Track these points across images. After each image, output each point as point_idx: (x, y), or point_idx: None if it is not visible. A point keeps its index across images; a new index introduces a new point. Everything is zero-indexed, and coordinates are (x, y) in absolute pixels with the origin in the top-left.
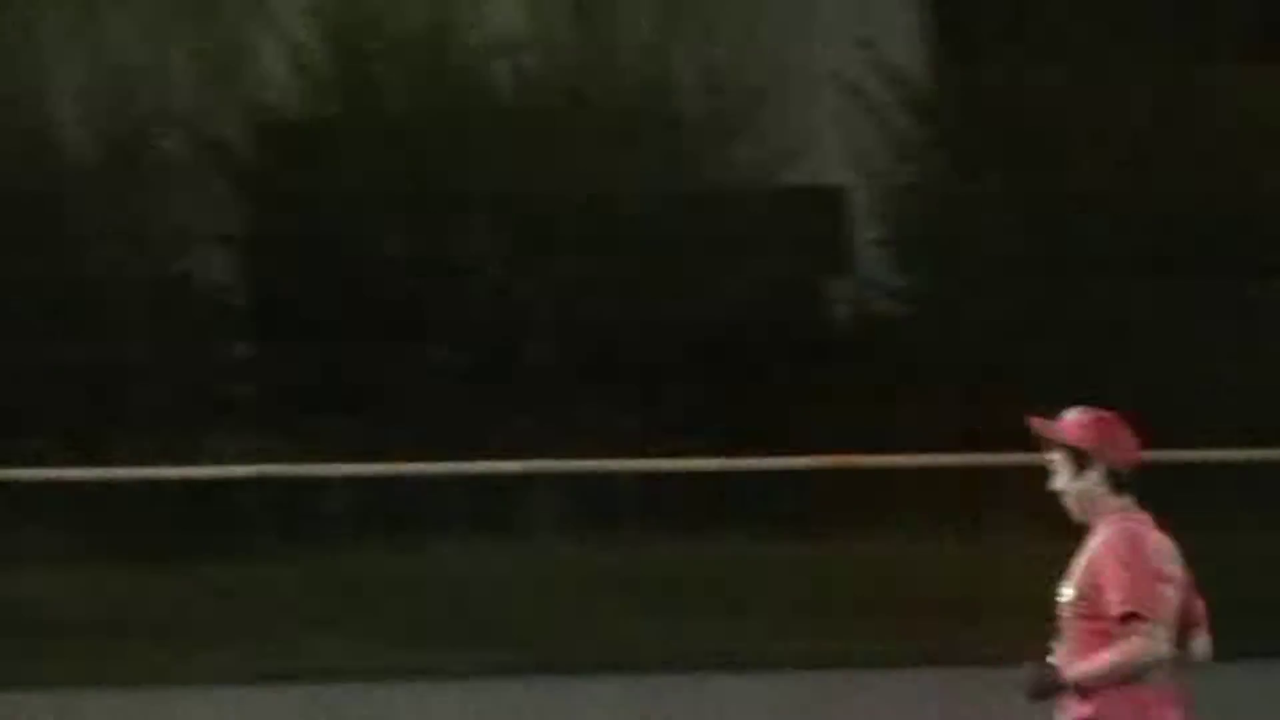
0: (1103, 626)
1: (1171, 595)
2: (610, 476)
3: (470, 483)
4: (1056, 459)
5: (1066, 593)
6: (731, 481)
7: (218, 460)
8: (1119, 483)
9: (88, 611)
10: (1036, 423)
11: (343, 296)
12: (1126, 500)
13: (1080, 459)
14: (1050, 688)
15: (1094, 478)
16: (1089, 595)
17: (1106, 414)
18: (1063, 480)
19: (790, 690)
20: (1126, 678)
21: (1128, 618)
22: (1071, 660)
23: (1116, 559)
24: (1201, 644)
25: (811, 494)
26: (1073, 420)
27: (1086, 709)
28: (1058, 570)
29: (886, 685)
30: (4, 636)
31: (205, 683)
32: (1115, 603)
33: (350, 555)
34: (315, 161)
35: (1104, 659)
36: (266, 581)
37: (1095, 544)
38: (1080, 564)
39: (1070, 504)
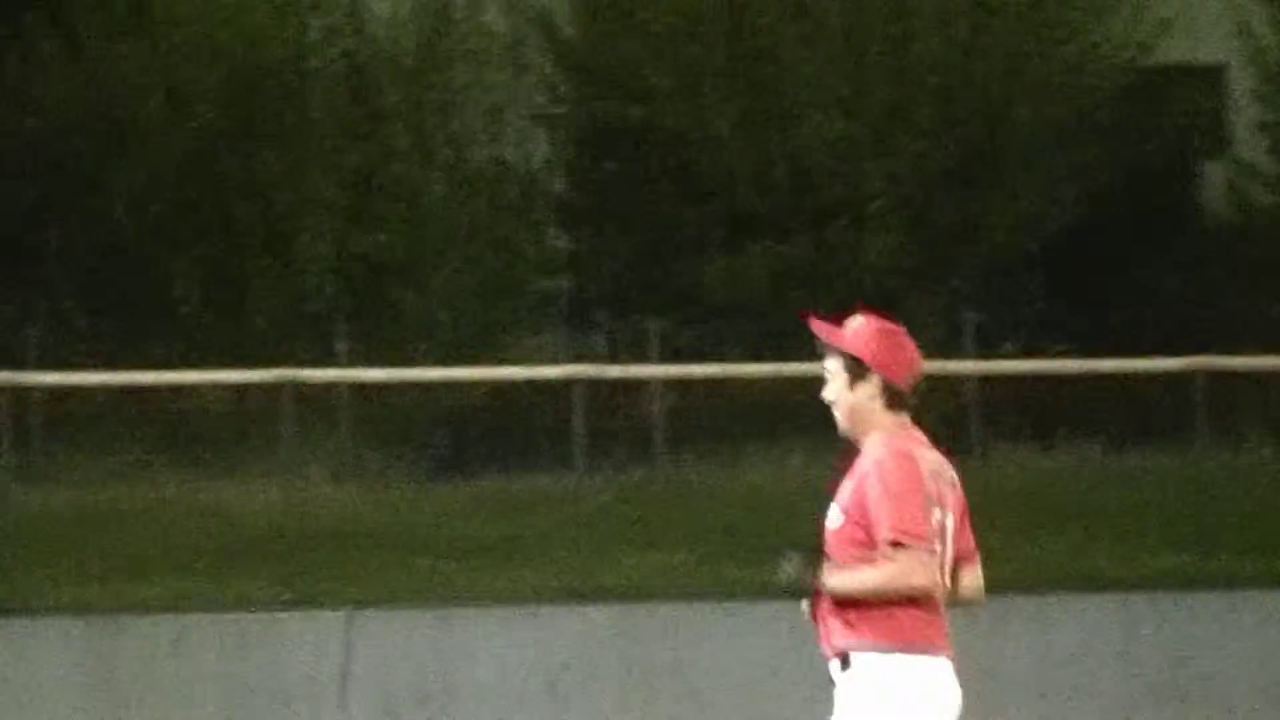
0: (870, 554)
1: (941, 519)
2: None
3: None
4: (831, 367)
5: (833, 516)
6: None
7: (527, 361)
8: (894, 398)
9: (388, 524)
10: (816, 325)
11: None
12: (902, 417)
13: (857, 369)
14: (804, 587)
15: (869, 390)
16: (857, 519)
17: (891, 325)
18: (834, 390)
19: None
20: (886, 600)
21: (895, 545)
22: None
23: (883, 483)
24: (970, 579)
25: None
26: (855, 328)
27: (845, 629)
28: None
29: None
30: (301, 551)
31: (505, 600)
32: (883, 529)
33: (665, 466)
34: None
35: (865, 576)
36: (571, 494)
37: (865, 464)
38: (848, 486)
39: (839, 416)
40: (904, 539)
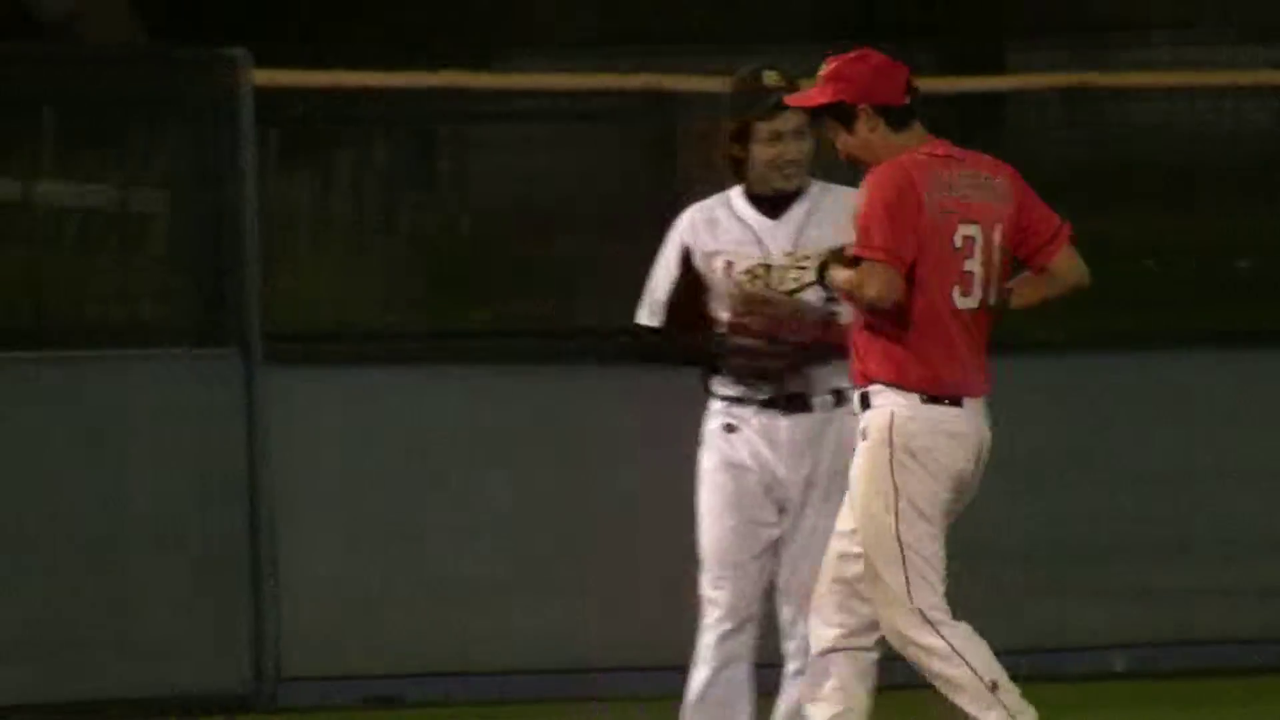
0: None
1: (968, 233)
2: None
3: None
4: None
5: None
6: None
7: None
8: (893, 117)
9: None
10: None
11: None
12: (913, 131)
13: (842, 113)
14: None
15: (866, 124)
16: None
17: (850, 55)
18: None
19: None
20: (856, 303)
21: (854, 260)
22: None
23: (860, 201)
24: (1062, 262)
25: None
26: (820, 81)
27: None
28: None
29: None
30: None
31: None
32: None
33: None
34: None
35: (846, 274)
36: None
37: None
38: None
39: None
40: (863, 253)
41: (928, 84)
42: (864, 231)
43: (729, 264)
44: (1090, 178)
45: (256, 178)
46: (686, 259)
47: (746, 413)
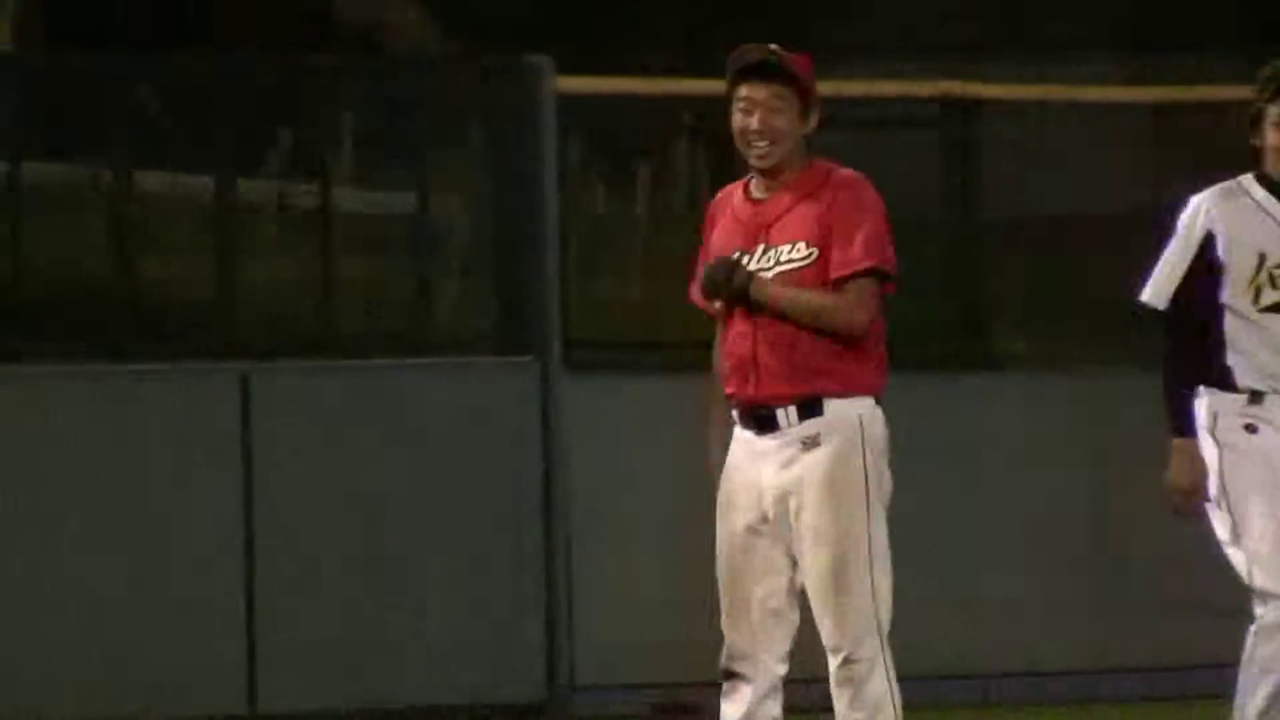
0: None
1: None
2: None
3: None
4: (784, 96)
5: (794, 252)
6: None
7: None
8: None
9: None
10: (780, 54)
11: None
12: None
13: (808, 100)
14: (725, 282)
15: (812, 122)
16: (824, 252)
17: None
18: (786, 120)
19: None
20: (822, 328)
21: (867, 274)
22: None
23: (872, 208)
24: None
25: None
26: (802, 61)
27: (813, 374)
28: None
29: None
30: None
31: None
32: (857, 251)
33: None
34: None
35: (811, 296)
36: None
37: (828, 193)
38: (798, 218)
39: (777, 148)
40: (884, 267)
41: None
42: (879, 243)
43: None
44: None
45: (557, 185)
46: (1205, 247)
47: (1267, 410)
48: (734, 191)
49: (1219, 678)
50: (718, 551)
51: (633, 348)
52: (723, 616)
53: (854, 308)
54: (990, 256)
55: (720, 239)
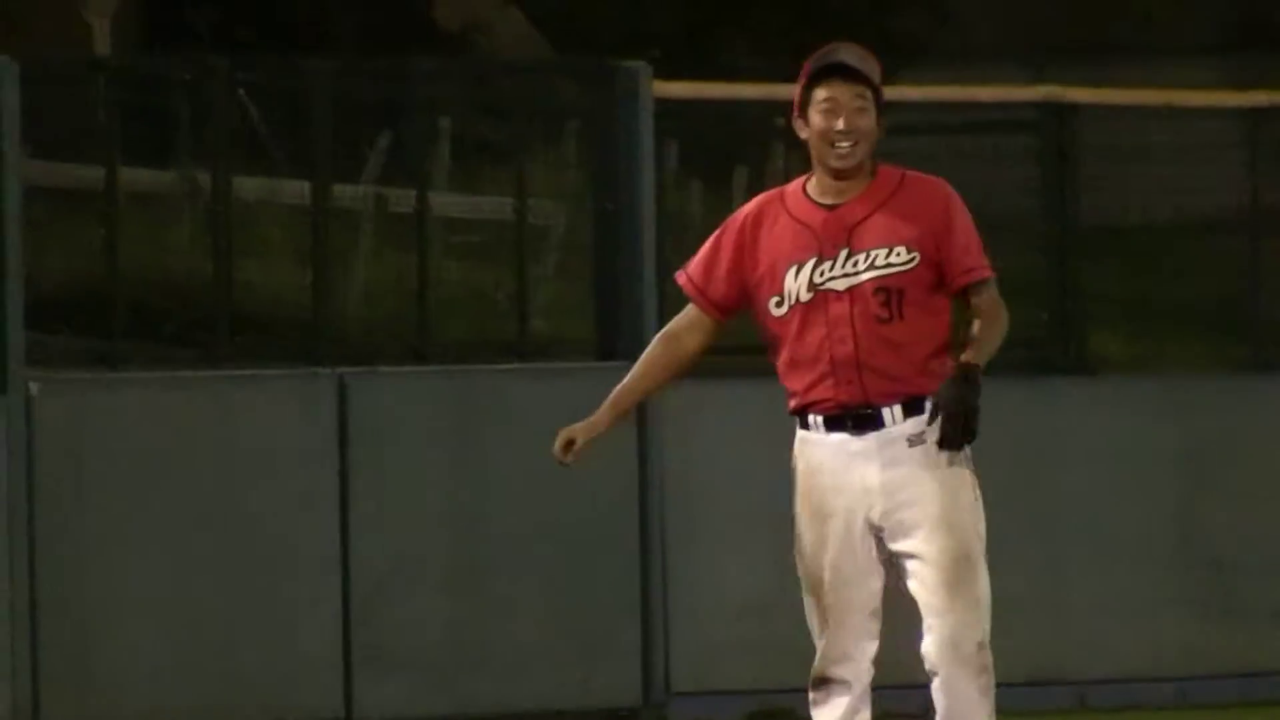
0: (940, 294)
1: None
2: None
3: None
4: (867, 97)
5: (893, 256)
6: None
7: None
8: None
9: None
10: (860, 54)
11: None
12: None
13: (879, 101)
14: (975, 393)
15: (883, 128)
16: (931, 256)
17: None
18: (869, 121)
19: None
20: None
21: (987, 279)
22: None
23: (965, 212)
24: None
25: None
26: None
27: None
28: None
29: None
30: None
31: None
32: (975, 259)
33: None
34: None
35: (995, 330)
36: None
37: (921, 195)
38: (889, 220)
39: (860, 149)
40: (991, 269)
41: None
42: (980, 246)
43: None
44: None
45: (655, 189)
46: None
47: None
48: (780, 198)
49: None
50: (809, 556)
51: (727, 352)
52: (817, 622)
53: (1003, 308)
54: (1086, 260)
55: (781, 244)
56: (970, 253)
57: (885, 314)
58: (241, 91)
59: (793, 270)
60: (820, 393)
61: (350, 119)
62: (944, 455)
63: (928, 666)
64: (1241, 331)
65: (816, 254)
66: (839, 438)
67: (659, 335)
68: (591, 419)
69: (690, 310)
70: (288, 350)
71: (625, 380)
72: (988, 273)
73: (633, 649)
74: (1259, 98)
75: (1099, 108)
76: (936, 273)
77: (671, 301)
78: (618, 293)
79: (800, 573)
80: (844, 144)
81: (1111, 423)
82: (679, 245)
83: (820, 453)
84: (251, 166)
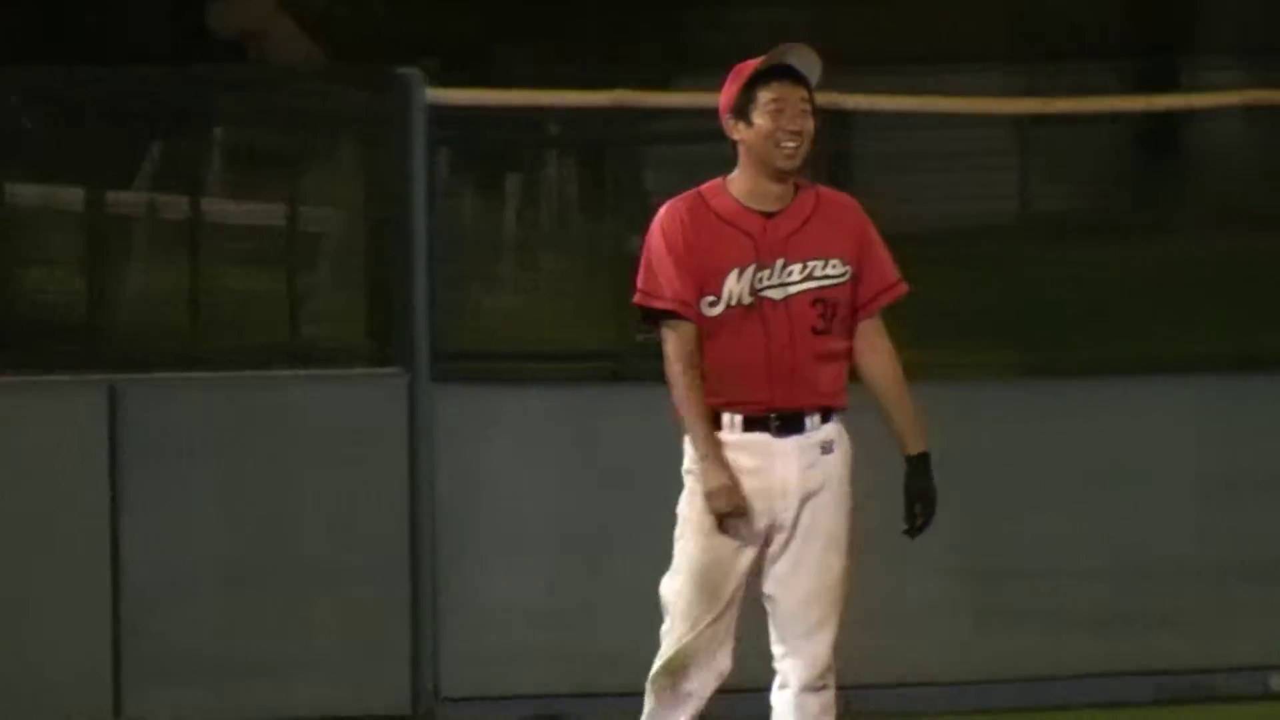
0: (854, 312)
1: None
2: None
3: None
4: (806, 100)
5: (828, 270)
6: None
7: None
8: None
9: None
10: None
11: None
12: None
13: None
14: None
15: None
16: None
17: None
18: (811, 124)
19: None
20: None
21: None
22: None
23: (874, 227)
24: None
25: None
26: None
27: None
28: None
29: None
30: None
31: None
32: (892, 272)
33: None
34: None
35: (900, 386)
36: None
37: (837, 209)
38: (820, 232)
39: (800, 151)
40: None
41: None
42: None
43: None
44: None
45: (427, 196)
46: None
47: None
48: (701, 200)
49: None
50: (699, 558)
51: (503, 359)
52: (684, 624)
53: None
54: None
55: (718, 246)
56: (891, 267)
57: (821, 325)
58: (14, 98)
59: (735, 273)
60: (749, 394)
61: (124, 125)
62: (846, 467)
63: (782, 681)
64: (1014, 338)
65: (755, 260)
66: (759, 438)
67: (686, 366)
68: (725, 470)
69: (685, 328)
70: (59, 357)
71: (706, 425)
72: (905, 286)
73: (403, 655)
74: (1031, 105)
75: (872, 115)
76: (856, 288)
77: (444, 308)
78: (390, 299)
79: (687, 567)
80: (790, 144)
81: (883, 429)
82: (451, 252)
83: (738, 454)
84: (26, 173)
